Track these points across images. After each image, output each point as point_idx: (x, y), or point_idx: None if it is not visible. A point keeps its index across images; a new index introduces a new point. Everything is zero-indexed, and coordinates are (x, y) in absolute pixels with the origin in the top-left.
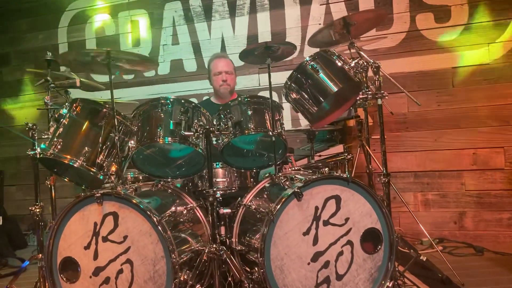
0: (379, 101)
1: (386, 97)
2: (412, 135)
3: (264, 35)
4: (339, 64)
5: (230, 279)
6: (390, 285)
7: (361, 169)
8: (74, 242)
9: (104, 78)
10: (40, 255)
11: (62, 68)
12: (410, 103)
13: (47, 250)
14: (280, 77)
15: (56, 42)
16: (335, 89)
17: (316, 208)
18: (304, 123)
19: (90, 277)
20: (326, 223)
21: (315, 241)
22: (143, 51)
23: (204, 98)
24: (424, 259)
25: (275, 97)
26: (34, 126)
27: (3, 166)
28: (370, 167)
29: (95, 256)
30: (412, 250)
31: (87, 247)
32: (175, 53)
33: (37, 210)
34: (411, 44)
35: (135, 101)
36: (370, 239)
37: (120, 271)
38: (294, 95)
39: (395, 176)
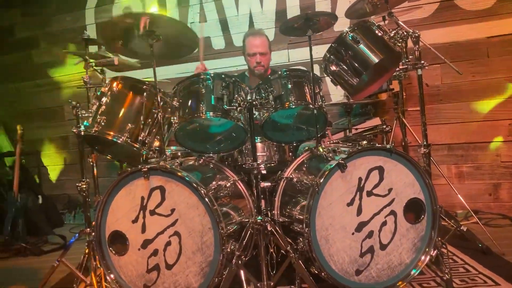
0: (419, 72)
1: (426, 67)
2: (446, 107)
3: (293, 9)
4: (380, 34)
5: (272, 250)
6: (433, 254)
7: (396, 143)
8: (122, 216)
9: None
10: (89, 229)
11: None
12: (443, 75)
13: (96, 224)
14: (315, 52)
15: (84, 23)
16: (376, 59)
17: (360, 179)
18: (335, 98)
19: (139, 249)
20: (369, 193)
21: (359, 211)
22: None
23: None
24: (465, 229)
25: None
26: (78, 105)
27: (37, 148)
28: (406, 139)
29: (143, 229)
30: (452, 221)
31: (135, 221)
32: (203, 30)
33: (84, 186)
34: (444, 14)
35: (167, 79)
36: (413, 209)
37: (168, 243)
38: (333, 68)
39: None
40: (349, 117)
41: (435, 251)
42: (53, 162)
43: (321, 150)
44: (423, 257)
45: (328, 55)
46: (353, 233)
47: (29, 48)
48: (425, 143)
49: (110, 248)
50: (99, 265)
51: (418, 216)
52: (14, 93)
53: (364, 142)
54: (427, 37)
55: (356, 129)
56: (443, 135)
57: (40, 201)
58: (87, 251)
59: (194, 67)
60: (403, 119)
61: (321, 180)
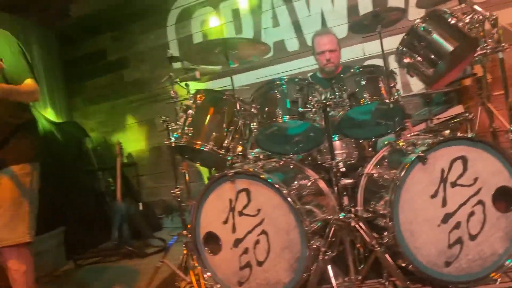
0: (500, 55)
1: (507, 50)
2: None
3: (365, 3)
4: (452, 21)
5: (358, 245)
6: None
7: (484, 129)
8: (213, 218)
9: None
10: (185, 231)
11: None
12: None
13: (191, 226)
14: (386, 44)
15: (166, 40)
16: (450, 48)
17: (442, 170)
18: (415, 88)
19: (231, 248)
20: (454, 184)
21: (444, 203)
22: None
23: (309, 74)
24: None
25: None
26: (167, 119)
27: (133, 159)
28: (494, 125)
29: (233, 229)
30: None
31: (225, 222)
32: (276, 35)
33: (178, 192)
34: None
35: (245, 86)
36: (503, 197)
37: (257, 242)
38: (407, 60)
39: None
40: (429, 107)
41: None
42: (149, 171)
43: (400, 143)
44: None
45: (400, 48)
46: (439, 225)
47: (120, 68)
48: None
49: (205, 248)
50: (196, 264)
51: (510, 205)
52: (110, 110)
53: (447, 132)
54: (508, 16)
55: (438, 118)
56: None
57: (141, 207)
58: (185, 251)
59: (271, 71)
60: (488, 104)
61: (402, 174)
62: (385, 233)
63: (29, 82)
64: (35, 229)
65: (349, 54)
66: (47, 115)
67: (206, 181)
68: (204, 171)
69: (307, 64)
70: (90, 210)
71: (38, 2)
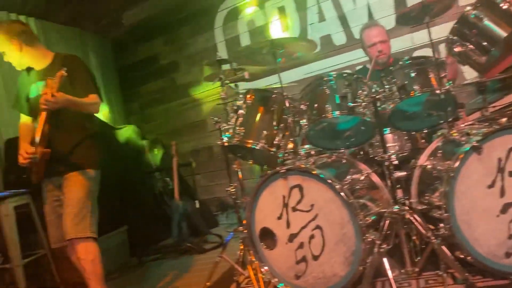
0: None
1: None
2: None
3: None
4: (505, 6)
5: (414, 237)
6: None
7: None
8: (268, 214)
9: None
10: (241, 227)
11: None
12: None
13: (246, 222)
14: (436, 32)
15: (214, 42)
16: (504, 34)
17: (499, 159)
18: (468, 76)
19: (286, 243)
20: None
21: (502, 192)
22: (293, 34)
23: (357, 67)
24: None
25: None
26: (220, 120)
27: (187, 159)
28: None
29: (288, 225)
30: None
31: (279, 217)
32: (323, 29)
33: (233, 189)
34: None
35: (293, 82)
36: None
37: (312, 236)
38: (458, 49)
39: None
40: (484, 95)
41: None
42: (202, 170)
43: (454, 134)
44: None
45: (451, 37)
46: (498, 216)
47: (172, 72)
48: None
49: (262, 243)
50: (253, 259)
51: None
52: (164, 113)
53: (503, 120)
54: None
55: (494, 106)
56: None
57: (197, 205)
58: (242, 247)
59: (318, 66)
60: None
61: (456, 165)
62: (441, 225)
63: (92, 97)
64: (97, 227)
65: (398, 44)
66: (106, 120)
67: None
68: (257, 169)
69: (355, 58)
70: (150, 209)
71: (93, 13)
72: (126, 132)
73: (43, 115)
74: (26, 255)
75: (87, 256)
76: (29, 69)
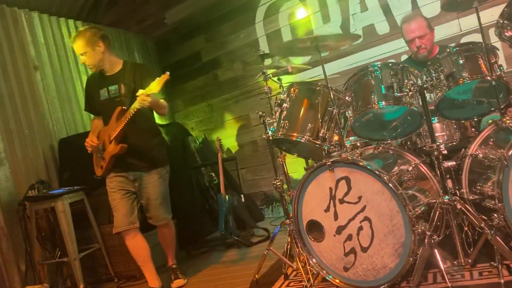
0: None
1: None
2: None
3: None
4: None
5: (466, 228)
6: None
7: None
8: (315, 207)
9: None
10: (288, 220)
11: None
12: None
13: (294, 215)
14: (485, 16)
15: (256, 37)
16: None
17: None
18: None
19: (334, 235)
20: None
21: None
22: (335, 26)
23: (402, 57)
24: None
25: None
26: (263, 114)
27: (231, 153)
28: None
29: (335, 217)
30: None
31: (327, 210)
32: (365, 19)
33: (278, 183)
34: None
35: (336, 74)
36: None
37: (360, 228)
38: (509, 33)
39: None
40: None
41: None
42: (247, 164)
43: (507, 121)
44: None
45: (501, 21)
46: None
47: (214, 69)
48: None
49: (309, 236)
50: (301, 252)
51: None
52: (208, 109)
53: None
54: None
55: None
56: None
57: (243, 199)
58: (289, 239)
59: (361, 57)
60: None
61: (510, 153)
62: (495, 215)
63: (164, 101)
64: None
65: (445, 31)
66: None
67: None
68: (302, 162)
69: (399, 47)
70: (197, 204)
71: (137, 14)
72: (172, 129)
73: (118, 114)
74: (82, 249)
75: (171, 230)
76: (100, 74)
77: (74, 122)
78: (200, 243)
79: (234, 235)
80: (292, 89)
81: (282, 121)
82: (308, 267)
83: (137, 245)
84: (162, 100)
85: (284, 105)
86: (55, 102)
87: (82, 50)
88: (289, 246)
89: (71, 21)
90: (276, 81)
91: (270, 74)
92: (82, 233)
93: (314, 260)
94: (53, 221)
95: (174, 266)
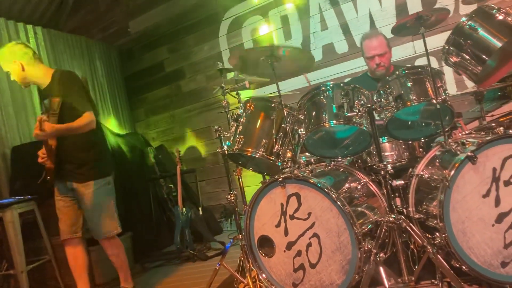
0: None
1: None
2: None
3: (413, 1)
4: (500, 17)
5: (412, 246)
6: None
7: None
8: (266, 222)
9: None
10: (240, 235)
11: (229, 75)
12: None
13: (245, 230)
14: (436, 41)
15: (219, 50)
16: (498, 44)
17: (494, 169)
18: (470, 84)
19: (284, 251)
20: (507, 183)
21: (497, 202)
22: (296, 43)
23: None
24: None
25: (434, 62)
26: (220, 128)
27: (191, 165)
28: None
29: (286, 233)
30: None
31: (278, 225)
32: (325, 38)
33: (232, 197)
34: None
35: (295, 91)
36: None
37: (309, 244)
38: (454, 59)
39: None
40: (481, 105)
41: None
42: (207, 177)
43: (450, 143)
44: None
45: (447, 47)
46: (493, 225)
47: (177, 80)
48: None
49: (260, 251)
50: (252, 267)
51: None
52: (169, 120)
53: (500, 129)
54: None
55: (492, 115)
56: None
57: (201, 212)
58: (242, 254)
59: (320, 75)
60: None
61: (451, 174)
62: (437, 234)
63: (86, 115)
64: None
65: (400, 52)
66: (112, 127)
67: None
68: (260, 176)
69: (357, 66)
70: (154, 216)
71: (100, 22)
72: (131, 139)
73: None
74: (31, 261)
75: (116, 249)
76: (38, 87)
77: (29, 129)
78: (156, 256)
79: (190, 249)
80: (248, 105)
81: (237, 136)
82: (258, 282)
83: (76, 256)
84: (75, 121)
85: (240, 120)
86: (9, 108)
87: (5, 69)
88: (241, 261)
89: (29, 27)
90: (235, 96)
91: (228, 89)
92: (33, 244)
93: (264, 275)
94: (0, 232)
95: None
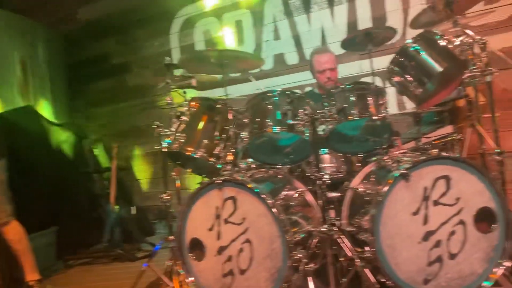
0: (488, 78)
1: (495, 74)
2: None
3: (364, 21)
4: (443, 43)
5: (342, 259)
6: (509, 265)
7: (474, 150)
8: (199, 225)
9: (214, 78)
10: (172, 237)
11: (177, 72)
12: None
13: (177, 232)
14: (383, 62)
15: (169, 47)
16: (439, 69)
17: (425, 188)
18: (410, 105)
19: (215, 255)
20: (436, 203)
21: (426, 220)
22: (248, 49)
23: (306, 89)
24: None
25: (378, 82)
26: (160, 125)
27: (130, 163)
28: (483, 147)
29: (218, 237)
30: None
31: (211, 229)
32: (277, 47)
33: (167, 198)
34: None
35: (243, 96)
36: (484, 218)
37: (241, 250)
38: (397, 79)
39: None
40: (419, 126)
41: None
42: (145, 176)
43: (386, 160)
44: (496, 269)
45: (391, 66)
46: (419, 242)
47: (123, 73)
48: (498, 150)
49: (190, 254)
50: (180, 270)
51: (490, 226)
52: (111, 114)
53: (434, 151)
54: (506, 40)
55: (428, 137)
56: None
57: (134, 211)
58: (171, 257)
59: (270, 83)
60: (478, 126)
61: (384, 190)
62: (366, 248)
63: None
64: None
65: (346, 70)
66: (47, 115)
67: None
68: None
69: (306, 78)
70: (84, 211)
71: (47, 5)
72: (67, 129)
73: None
74: None
75: (14, 237)
76: None
77: None
78: (82, 253)
79: (118, 248)
80: (193, 103)
81: (178, 134)
82: (185, 286)
83: None
84: None
85: (183, 118)
86: None
87: None
88: (170, 264)
89: None
90: (181, 94)
91: (173, 86)
92: None
93: (192, 279)
94: None
95: (31, 283)
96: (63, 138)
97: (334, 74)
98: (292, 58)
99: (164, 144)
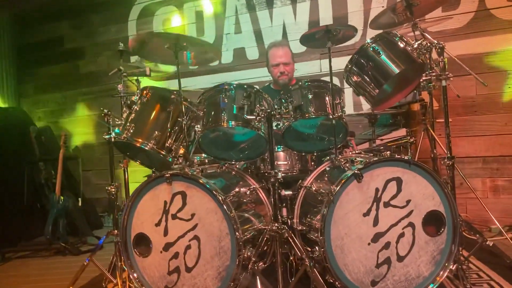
0: (444, 83)
1: (451, 79)
2: (481, 118)
3: (326, 20)
4: (401, 45)
5: (292, 258)
6: (453, 268)
7: (426, 154)
8: (146, 219)
9: (171, 69)
10: (116, 231)
11: (133, 59)
12: (478, 86)
13: (122, 226)
14: (342, 63)
15: (127, 34)
16: (396, 70)
17: (377, 189)
18: (366, 107)
19: (161, 252)
20: (386, 204)
21: (376, 222)
22: (208, 41)
23: (263, 85)
24: (491, 244)
25: (336, 82)
26: (109, 113)
27: (80, 153)
28: (435, 151)
29: (165, 233)
30: (478, 235)
31: (158, 224)
32: (238, 41)
33: (113, 190)
34: (480, 24)
35: (201, 89)
36: (433, 221)
37: (188, 247)
38: (355, 78)
39: (462, 161)
40: (373, 128)
41: (455, 266)
42: (95, 166)
43: (340, 160)
44: (442, 271)
45: (349, 66)
46: (369, 244)
47: (76, 59)
48: (448, 154)
49: (135, 250)
50: (124, 266)
51: (439, 229)
52: (61, 101)
53: (388, 153)
54: (462, 47)
55: (382, 139)
56: (477, 148)
57: (80, 203)
58: (114, 252)
59: (230, 77)
60: (431, 130)
61: (337, 190)
62: (316, 248)
63: None
64: None
65: (307, 69)
66: None
67: None
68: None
69: (266, 74)
70: (25, 202)
71: None
72: (12, 114)
73: None
74: None
75: None
76: None
77: None
78: (22, 245)
79: (62, 241)
80: (145, 92)
81: (128, 124)
82: (129, 283)
83: None
84: None
85: (134, 107)
86: None
87: None
88: (114, 259)
89: None
90: (134, 82)
91: (126, 73)
92: None
93: (135, 275)
94: None
95: None
96: (6, 124)
97: (288, 69)
98: (252, 53)
99: (112, 134)
